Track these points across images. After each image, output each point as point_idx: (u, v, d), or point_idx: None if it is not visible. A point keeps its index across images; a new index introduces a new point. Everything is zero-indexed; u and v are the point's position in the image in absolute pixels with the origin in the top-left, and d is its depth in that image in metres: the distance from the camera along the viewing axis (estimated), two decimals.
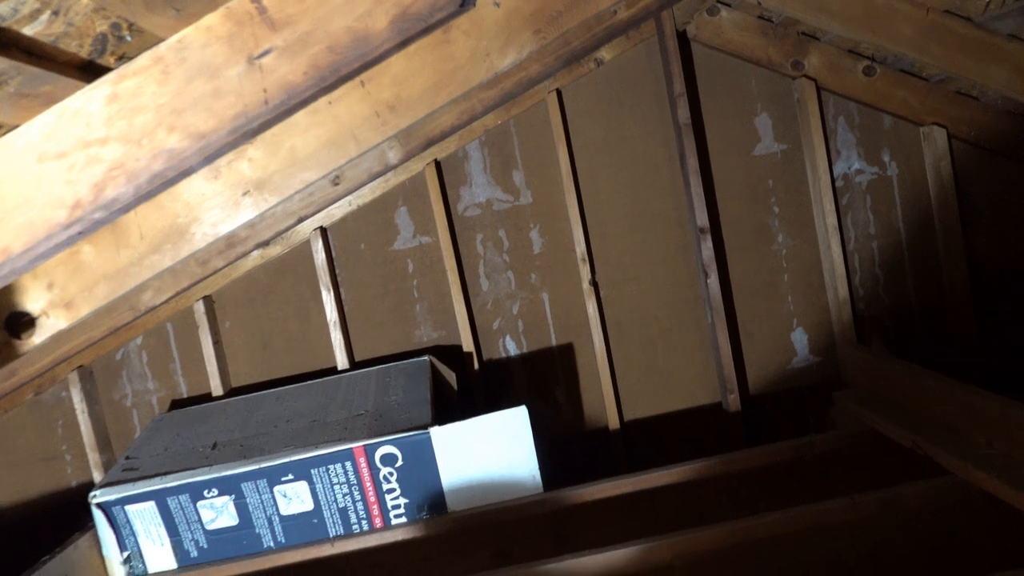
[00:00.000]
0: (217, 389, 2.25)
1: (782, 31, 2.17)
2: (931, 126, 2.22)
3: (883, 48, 1.92)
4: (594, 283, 2.27)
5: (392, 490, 1.75)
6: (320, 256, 2.24)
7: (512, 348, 2.30)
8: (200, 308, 2.24)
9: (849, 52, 2.17)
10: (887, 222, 2.28)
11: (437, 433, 1.74)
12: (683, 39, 2.20)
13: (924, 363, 2.02)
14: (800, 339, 2.29)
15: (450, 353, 2.28)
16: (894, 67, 2.16)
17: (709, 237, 2.16)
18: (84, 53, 0.93)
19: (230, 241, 1.94)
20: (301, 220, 2.06)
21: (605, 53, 2.23)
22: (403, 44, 0.94)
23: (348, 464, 1.74)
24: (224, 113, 0.91)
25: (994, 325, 2.26)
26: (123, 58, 0.96)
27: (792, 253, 2.28)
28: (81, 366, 2.22)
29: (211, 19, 0.91)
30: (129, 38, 0.92)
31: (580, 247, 2.26)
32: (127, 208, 0.93)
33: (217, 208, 1.47)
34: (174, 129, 0.91)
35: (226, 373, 2.29)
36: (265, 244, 2.13)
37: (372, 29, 0.92)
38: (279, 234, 2.07)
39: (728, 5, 2.15)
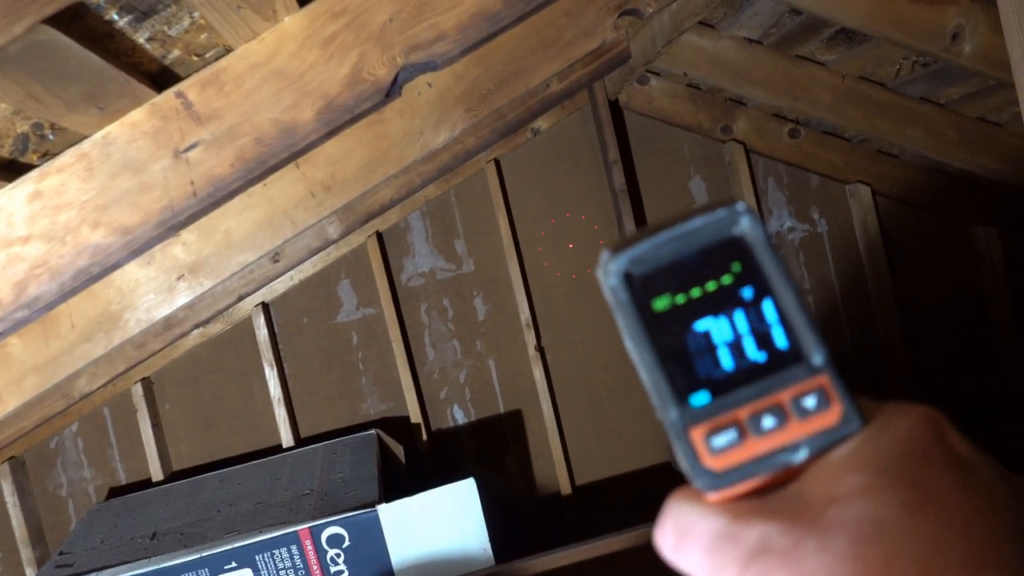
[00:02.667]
0: (157, 474, 2.19)
1: (710, 98, 2.25)
2: (856, 184, 2.30)
3: (805, 113, 2.00)
4: (540, 348, 2.28)
5: (340, 572, 1.71)
6: (262, 332, 2.22)
7: (460, 417, 2.29)
8: (138, 391, 2.18)
9: (775, 116, 2.26)
10: (821, 276, 2.35)
11: (384, 511, 1.71)
12: (616, 107, 2.27)
13: None
14: None
15: (398, 425, 2.25)
16: (818, 129, 2.26)
17: None
18: (5, 152, 0.92)
19: (167, 323, 1.91)
20: (241, 298, 2.04)
21: (541, 123, 2.28)
22: (330, 134, 0.95)
23: (294, 548, 1.69)
24: (150, 207, 0.90)
25: (927, 368, 2.32)
26: (47, 155, 0.96)
27: None
28: (12, 457, 2.14)
29: (136, 115, 0.91)
30: (52, 136, 0.92)
31: (524, 313, 2.27)
32: (51, 306, 0.91)
33: (151, 293, 1.45)
34: (99, 225, 0.90)
35: (167, 456, 2.22)
36: (205, 323, 2.10)
37: (298, 120, 0.93)
38: (219, 313, 2.04)
39: (658, 74, 2.23)
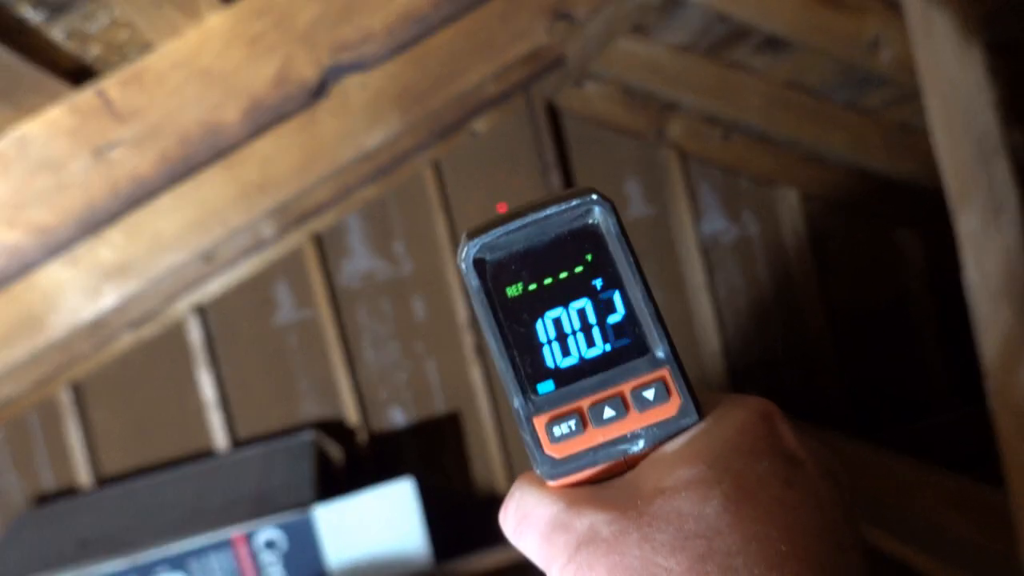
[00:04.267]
0: (88, 480, 2.13)
1: (645, 102, 2.29)
2: (784, 187, 2.37)
3: (736, 117, 2.05)
4: (479, 349, 2.29)
5: None
6: (196, 335, 2.18)
7: (400, 419, 2.28)
8: (67, 396, 2.12)
9: (708, 120, 2.31)
10: (752, 277, 2.41)
11: (321, 512, 1.70)
12: (554, 110, 2.29)
13: (793, 408, 2.12)
14: None
15: (336, 427, 2.24)
16: (748, 133, 2.31)
17: None
18: None
19: (95, 326, 1.87)
20: (174, 299, 2.01)
21: (480, 125, 2.30)
22: (257, 133, 0.95)
23: (227, 553, 1.67)
24: (69, 207, 0.89)
25: (853, 367, 2.40)
26: None
27: (667, 310, 2.37)
28: None
29: (54, 113, 0.90)
30: None
31: (463, 315, 2.28)
32: None
33: (77, 295, 1.41)
34: (15, 225, 0.88)
35: (98, 463, 2.17)
36: (137, 325, 2.06)
37: (224, 121, 0.92)
38: (150, 315, 2.00)
39: (594, 78, 2.26)
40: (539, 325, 0.33)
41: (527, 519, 0.32)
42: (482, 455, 2.29)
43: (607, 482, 0.32)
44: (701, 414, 0.32)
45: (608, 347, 0.33)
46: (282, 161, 1.45)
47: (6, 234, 0.87)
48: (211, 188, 1.44)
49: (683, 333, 2.37)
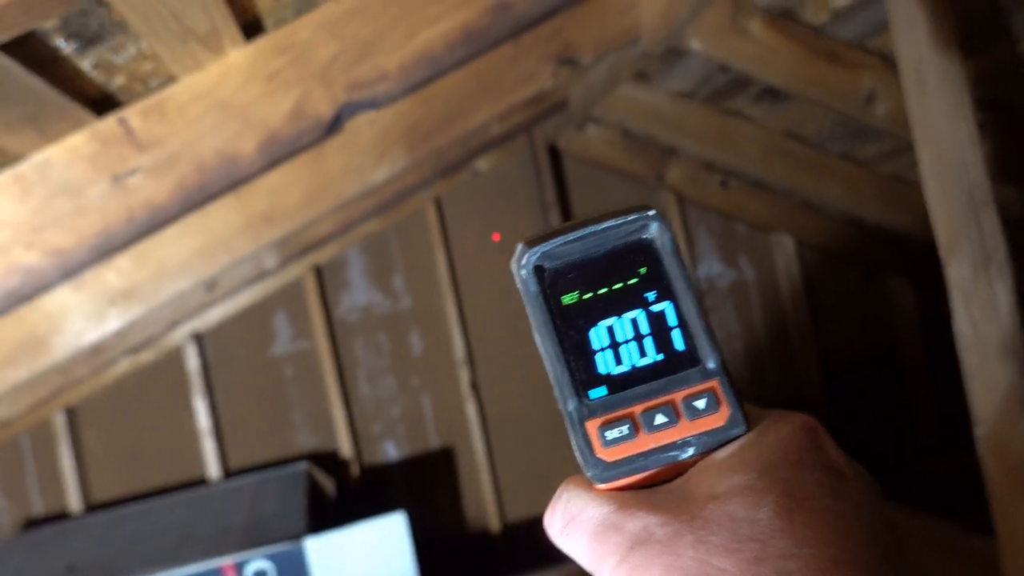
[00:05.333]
0: (77, 505, 2.12)
1: (645, 146, 2.33)
2: (780, 233, 2.41)
3: (733, 164, 2.09)
4: (474, 385, 2.30)
5: None
6: (193, 362, 2.19)
7: (393, 452, 2.28)
8: (60, 419, 2.12)
9: (706, 166, 2.36)
10: (748, 321, 2.43)
11: (312, 544, 1.70)
12: (555, 152, 2.33)
13: None
14: None
15: (330, 459, 2.24)
16: (746, 180, 2.36)
17: None
18: None
19: (96, 350, 1.88)
20: (174, 326, 2.02)
21: (482, 164, 2.34)
22: (271, 166, 0.98)
23: None
24: (86, 231, 0.91)
25: (844, 412, 2.41)
26: None
27: None
28: None
29: (77, 139, 0.93)
30: None
31: (460, 350, 2.29)
32: None
33: (81, 318, 1.43)
34: (32, 246, 0.90)
35: (89, 487, 2.16)
36: (135, 351, 2.07)
37: (240, 152, 0.95)
38: (150, 340, 2.01)
39: (595, 122, 2.31)
40: (593, 333, 0.34)
41: (575, 520, 0.33)
42: (474, 491, 2.29)
43: (656, 487, 0.33)
44: (749, 426, 0.33)
45: (660, 357, 0.34)
46: (289, 193, 1.48)
47: (24, 256, 0.89)
48: (218, 217, 1.47)
49: None
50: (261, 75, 0.96)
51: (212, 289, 2.01)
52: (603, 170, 2.36)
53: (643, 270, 0.34)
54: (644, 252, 0.34)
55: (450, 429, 2.30)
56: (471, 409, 2.29)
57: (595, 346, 0.34)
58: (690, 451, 0.33)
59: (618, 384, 0.34)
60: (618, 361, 0.34)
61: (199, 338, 2.21)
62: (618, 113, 2.01)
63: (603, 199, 2.38)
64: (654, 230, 0.34)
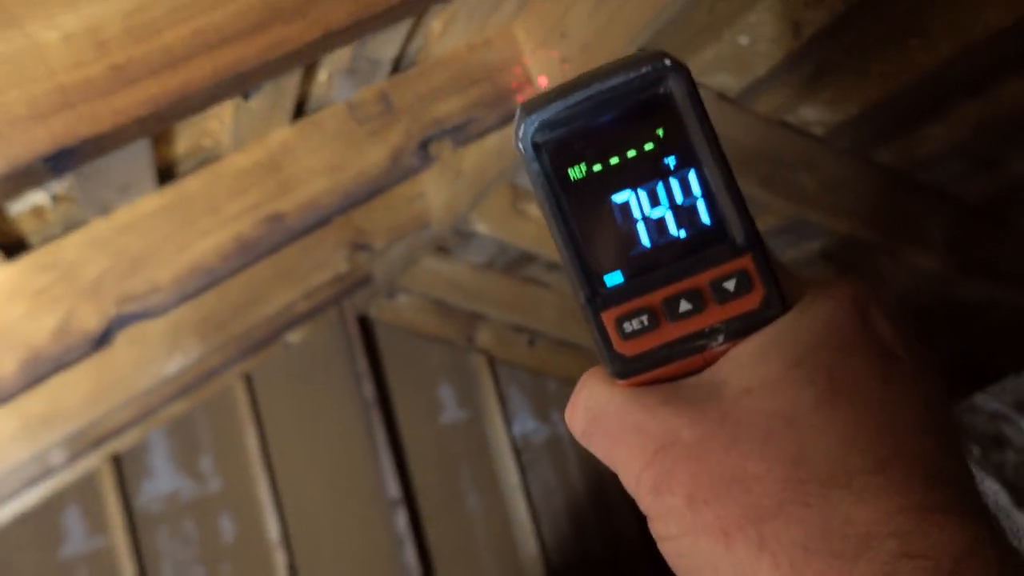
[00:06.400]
0: None
1: (454, 312, 2.42)
2: None
3: (534, 327, 2.21)
4: (292, 568, 2.19)
5: None
6: None
7: None
8: None
9: (513, 327, 2.47)
10: (565, 475, 2.50)
11: None
12: (367, 321, 2.37)
13: None
14: None
15: None
16: (551, 338, 2.49)
17: (403, 507, 2.22)
18: None
19: None
20: None
21: (294, 336, 2.33)
22: (34, 383, 0.95)
23: None
24: None
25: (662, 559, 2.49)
26: None
27: (485, 514, 2.40)
28: None
29: None
30: None
31: (275, 531, 2.20)
32: None
33: None
34: None
35: None
36: None
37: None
38: None
39: (405, 290, 2.38)
40: (606, 210, 0.30)
41: (597, 420, 0.30)
42: None
43: (684, 380, 0.29)
44: (787, 305, 0.29)
45: (683, 233, 0.30)
46: (71, 392, 1.41)
47: None
48: None
49: (500, 536, 2.39)
50: (24, 293, 0.94)
51: None
52: (415, 336, 2.42)
53: (660, 132, 0.30)
54: (660, 110, 0.29)
55: None
56: None
57: (608, 225, 0.30)
58: (720, 339, 0.29)
59: (636, 268, 0.30)
60: (635, 241, 0.30)
61: None
62: (423, 284, 2.10)
63: (417, 364, 2.42)
64: (670, 83, 0.29)
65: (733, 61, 1.10)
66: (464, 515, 2.37)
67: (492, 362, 2.47)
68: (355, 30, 0.57)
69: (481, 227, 1.64)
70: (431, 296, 2.35)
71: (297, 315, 2.07)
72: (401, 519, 2.21)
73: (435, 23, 1.05)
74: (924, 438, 0.26)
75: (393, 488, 2.22)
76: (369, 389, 2.25)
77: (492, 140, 1.27)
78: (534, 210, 1.67)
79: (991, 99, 1.13)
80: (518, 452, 2.45)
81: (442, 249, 2.06)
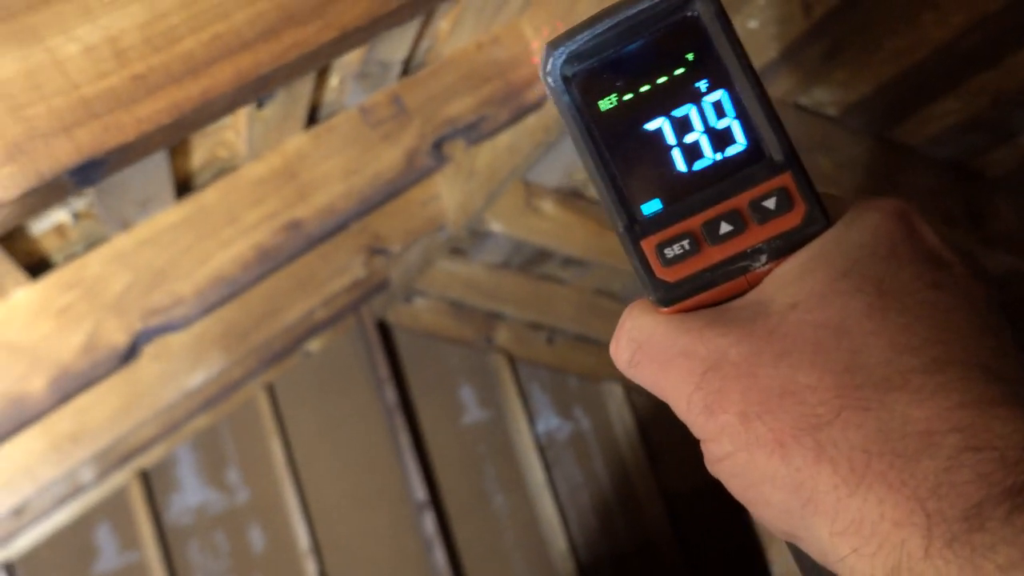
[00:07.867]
0: None
1: (471, 313, 2.42)
2: (610, 382, 2.53)
3: (552, 324, 2.21)
4: (323, 575, 2.20)
5: None
6: None
7: None
8: None
9: (531, 325, 2.47)
10: (590, 471, 2.49)
11: None
12: (385, 326, 2.38)
13: None
14: None
15: None
16: (570, 335, 2.49)
17: (430, 510, 2.22)
18: None
19: None
20: None
21: (314, 345, 2.34)
22: (64, 400, 0.95)
23: None
24: None
25: (695, 547, 2.48)
26: None
27: (512, 513, 2.40)
28: None
29: None
30: None
31: (304, 540, 2.20)
32: None
33: None
34: None
35: None
36: None
37: (28, 391, 0.92)
38: None
39: (421, 294, 2.39)
40: (639, 138, 0.30)
41: (643, 349, 0.30)
42: None
43: (728, 303, 0.29)
44: (830, 220, 0.29)
45: (719, 156, 0.30)
46: (98, 409, 1.42)
47: None
48: (17, 444, 1.38)
49: (528, 534, 2.39)
50: (49, 311, 0.95)
51: (20, 515, 1.85)
52: (434, 338, 2.42)
53: (690, 56, 0.30)
54: (689, 34, 0.29)
55: None
56: None
57: (642, 154, 0.30)
58: (763, 259, 0.29)
59: (674, 194, 0.30)
60: (671, 167, 0.30)
61: (10, 567, 2.01)
62: (439, 286, 2.10)
63: (436, 366, 2.42)
64: (698, 5, 0.29)
65: (744, 46, 1.09)
66: (491, 515, 2.37)
67: (512, 361, 2.47)
68: (370, 28, 0.57)
69: (495, 226, 1.63)
70: (448, 298, 2.35)
71: (317, 323, 2.08)
72: (429, 522, 2.21)
73: (443, 23, 1.05)
74: (979, 338, 0.26)
75: (420, 491, 2.22)
76: (391, 394, 2.26)
77: (503, 138, 1.27)
78: (548, 207, 1.67)
79: (1006, 70, 1.12)
80: (542, 450, 2.44)
81: (457, 250, 2.06)
